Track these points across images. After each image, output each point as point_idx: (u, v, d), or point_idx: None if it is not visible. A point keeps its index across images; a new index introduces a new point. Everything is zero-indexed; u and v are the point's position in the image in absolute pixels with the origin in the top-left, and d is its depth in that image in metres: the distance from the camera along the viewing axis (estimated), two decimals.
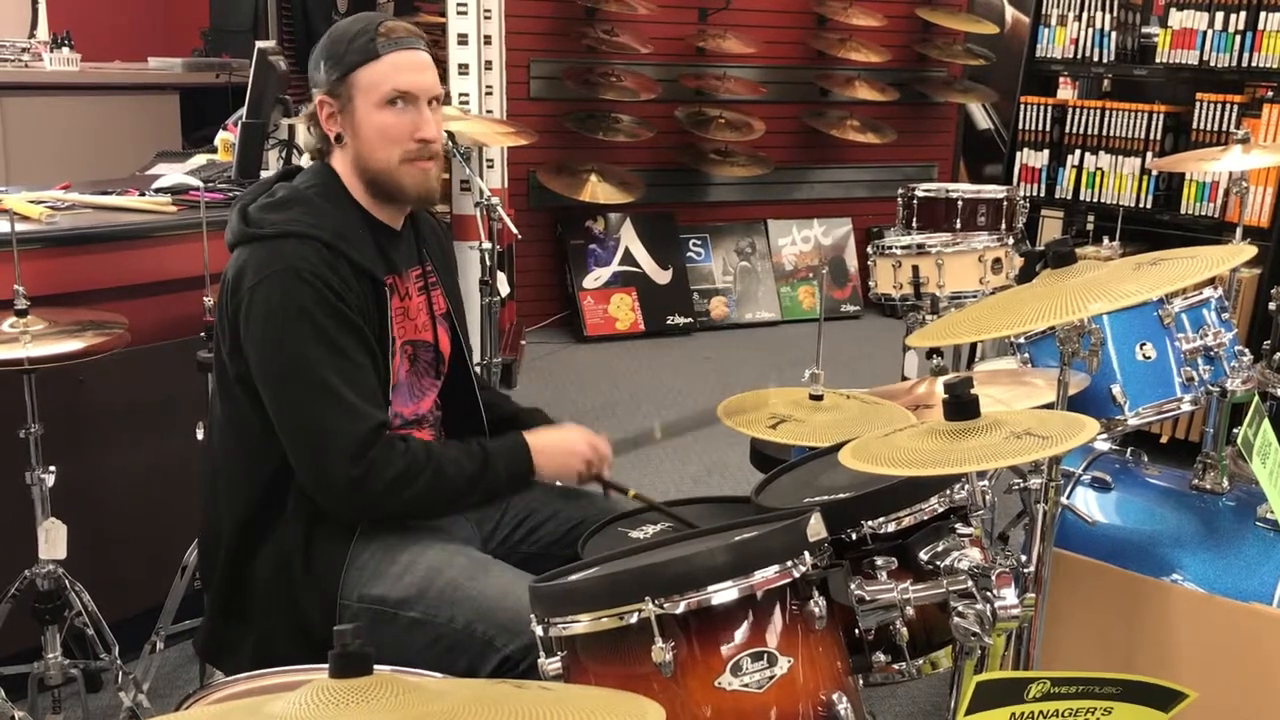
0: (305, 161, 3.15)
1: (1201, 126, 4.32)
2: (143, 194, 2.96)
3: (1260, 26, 4.16)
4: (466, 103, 4.64)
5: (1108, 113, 4.62)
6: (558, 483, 2.06)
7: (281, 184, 1.93)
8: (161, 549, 2.62)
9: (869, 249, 3.02)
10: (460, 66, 4.66)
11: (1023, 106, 4.89)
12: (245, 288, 1.81)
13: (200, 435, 2.47)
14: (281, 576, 1.85)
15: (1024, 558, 1.76)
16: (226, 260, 1.88)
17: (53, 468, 2.27)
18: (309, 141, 1.95)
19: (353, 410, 1.77)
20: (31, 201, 2.70)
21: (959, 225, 3.23)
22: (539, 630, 1.38)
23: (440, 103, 1.93)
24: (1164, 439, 4.18)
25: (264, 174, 3.17)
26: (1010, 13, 7.39)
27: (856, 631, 1.46)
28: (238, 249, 1.86)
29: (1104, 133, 4.63)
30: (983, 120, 7.58)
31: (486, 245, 3.65)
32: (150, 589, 2.62)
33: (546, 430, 2.04)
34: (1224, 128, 4.23)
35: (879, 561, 1.47)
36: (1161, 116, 4.46)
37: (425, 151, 1.89)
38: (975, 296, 2.88)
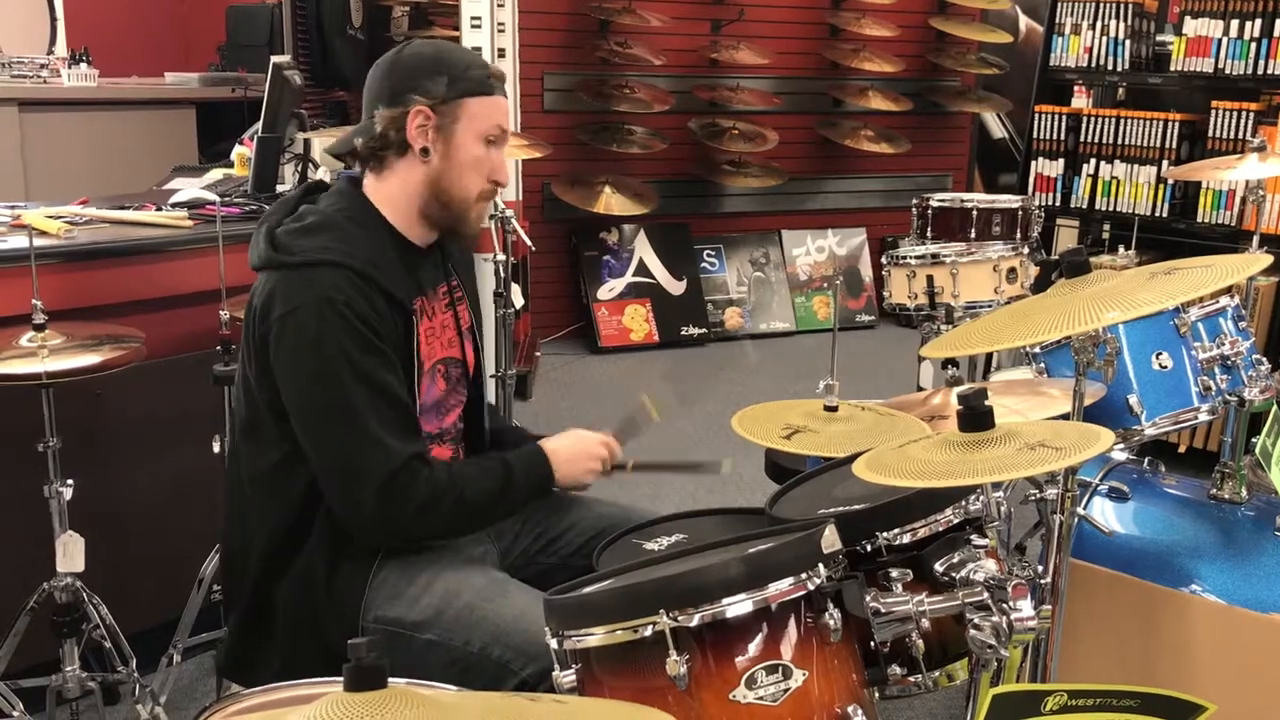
0: (321, 175, 3.19)
1: (1217, 134, 4.30)
2: (160, 209, 2.98)
3: (1276, 34, 4.14)
4: None
5: (1123, 121, 4.61)
6: (571, 492, 2.06)
7: (307, 206, 1.91)
8: (179, 561, 2.64)
9: (884, 259, 3.02)
10: None
11: (1037, 115, 4.88)
12: (275, 316, 1.78)
13: (216, 449, 2.49)
14: (306, 596, 1.85)
15: (1040, 568, 1.75)
16: (242, 274, 1.88)
17: (70, 481, 2.28)
18: (368, 143, 1.89)
19: (382, 445, 1.78)
20: (50, 217, 2.73)
21: (974, 235, 3.22)
22: (553, 643, 1.38)
23: None
24: (1182, 448, 4.15)
25: (280, 189, 3.19)
26: (1024, 21, 7.38)
27: (872, 644, 1.45)
28: (265, 273, 1.84)
29: (1119, 141, 4.61)
30: (997, 129, 7.57)
31: (501, 257, 3.66)
32: (167, 601, 2.64)
33: (559, 436, 2.04)
34: (1240, 135, 4.21)
35: (894, 573, 1.46)
36: (1177, 125, 4.44)
37: (492, 193, 1.96)
38: (990, 306, 2.87)
